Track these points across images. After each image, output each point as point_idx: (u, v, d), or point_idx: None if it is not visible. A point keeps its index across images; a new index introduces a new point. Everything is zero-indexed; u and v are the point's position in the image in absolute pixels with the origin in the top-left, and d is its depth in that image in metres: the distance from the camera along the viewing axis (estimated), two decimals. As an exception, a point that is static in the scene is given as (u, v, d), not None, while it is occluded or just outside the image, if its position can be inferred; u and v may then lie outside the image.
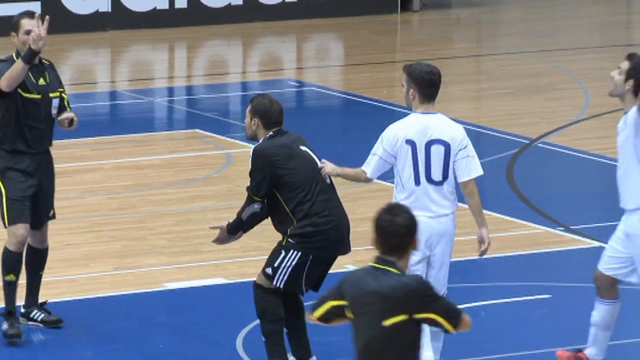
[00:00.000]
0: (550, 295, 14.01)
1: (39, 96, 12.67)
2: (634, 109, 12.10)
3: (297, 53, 25.66)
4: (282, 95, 20.82)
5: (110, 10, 25.33)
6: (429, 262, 12.24)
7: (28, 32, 12.70)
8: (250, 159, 11.90)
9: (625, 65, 12.55)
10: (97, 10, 25.33)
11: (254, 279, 11.90)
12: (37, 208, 12.57)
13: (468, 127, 19.83)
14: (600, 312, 12.54)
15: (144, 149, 18.49)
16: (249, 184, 12.01)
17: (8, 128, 12.84)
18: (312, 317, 9.49)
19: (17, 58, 12.69)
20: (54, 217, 12.76)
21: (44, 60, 12.94)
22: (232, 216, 12.69)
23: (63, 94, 13.02)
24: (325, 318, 9.40)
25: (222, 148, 18.36)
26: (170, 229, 14.75)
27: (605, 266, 12.35)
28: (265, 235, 12.45)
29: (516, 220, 15.38)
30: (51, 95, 12.77)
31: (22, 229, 12.38)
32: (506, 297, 13.87)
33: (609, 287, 12.32)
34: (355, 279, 9.34)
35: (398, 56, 25.60)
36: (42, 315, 12.58)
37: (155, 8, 25.49)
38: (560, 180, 17.16)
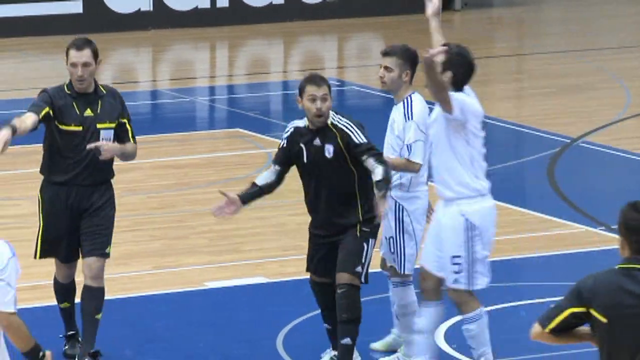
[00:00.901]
0: None
1: (79, 128, 12.36)
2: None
3: (338, 52, 25.82)
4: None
5: (152, 9, 25.41)
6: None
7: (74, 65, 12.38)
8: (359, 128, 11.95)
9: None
10: (139, 9, 25.41)
11: (314, 279, 11.72)
12: (80, 242, 12.50)
13: (509, 125, 20.10)
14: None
15: (185, 148, 18.62)
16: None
17: (46, 159, 12.68)
18: (545, 331, 9.03)
19: (67, 90, 12.39)
20: (106, 255, 12.37)
21: (100, 89, 12.45)
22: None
23: (127, 124, 12.74)
24: (559, 329, 9.01)
25: (263, 147, 18.27)
26: (211, 228, 14.69)
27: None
28: (305, 235, 12.33)
29: (557, 220, 15.29)
30: (99, 126, 12.36)
31: (55, 263, 12.53)
32: (546, 296, 13.68)
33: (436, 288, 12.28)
34: (604, 283, 9.01)
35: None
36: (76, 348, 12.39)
37: (197, 7, 25.62)
38: (601, 180, 17.13)
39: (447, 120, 11.86)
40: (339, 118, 11.90)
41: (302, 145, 11.73)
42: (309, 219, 12.15)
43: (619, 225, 8.75)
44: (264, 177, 11.91)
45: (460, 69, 11.81)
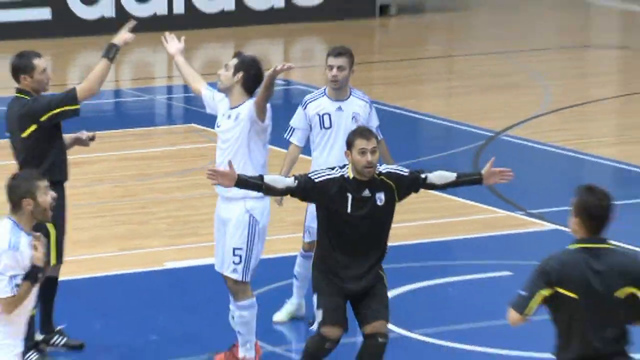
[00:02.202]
0: (511, 273, 13.95)
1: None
2: (249, 103, 12.10)
3: (284, 54, 25.84)
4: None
5: (114, 15, 25.56)
6: None
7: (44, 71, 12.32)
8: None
9: (233, 62, 12.34)
10: (102, 16, 25.63)
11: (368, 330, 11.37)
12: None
13: (440, 121, 20.17)
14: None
15: (146, 142, 18.71)
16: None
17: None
18: (522, 316, 9.17)
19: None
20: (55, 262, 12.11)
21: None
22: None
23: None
24: (531, 312, 9.17)
25: (216, 140, 19.08)
26: (170, 214, 14.85)
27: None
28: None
29: (481, 205, 15.32)
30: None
31: None
32: (471, 274, 13.90)
33: None
34: (570, 263, 9.13)
35: (376, 57, 25.62)
36: (64, 339, 12.45)
37: (155, 14, 25.81)
38: (521, 169, 16.99)
39: (252, 124, 12.08)
40: (383, 167, 11.64)
41: (347, 193, 11.25)
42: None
43: (575, 207, 8.98)
44: (273, 179, 11.45)
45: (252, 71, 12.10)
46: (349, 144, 11.01)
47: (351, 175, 11.03)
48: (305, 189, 11.18)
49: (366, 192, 11.02)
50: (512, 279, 13.11)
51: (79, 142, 12.50)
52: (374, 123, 12.60)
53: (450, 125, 19.59)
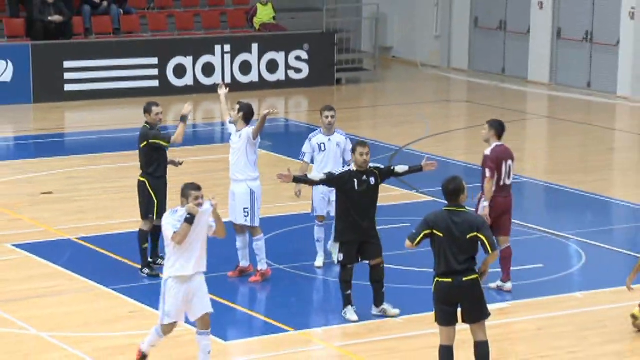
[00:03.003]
0: (409, 225, 15.09)
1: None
2: (248, 129, 12.55)
3: (285, 106, 25.38)
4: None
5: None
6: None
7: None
8: None
9: (237, 107, 12.74)
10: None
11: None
12: None
13: (372, 141, 17.60)
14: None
15: (209, 152, 19.85)
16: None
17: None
18: (413, 244, 9.88)
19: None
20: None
21: None
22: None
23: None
24: (420, 242, 9.90)
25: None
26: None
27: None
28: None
29: (393, 187, 14.45)
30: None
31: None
32: (387, 225, 13.41)
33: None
34: (440, 216, 9.76)
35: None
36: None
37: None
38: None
39: (249, 140, 12.61)
40: (371, 165, 11.86)
41: (354, 179, 11.56)
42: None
43: (442, 186, 9.95)
44: (313, 175, 12.14)
45: (247, 109, 12.74)
46: (354, 150, 11.81)
47: (354, 169, 11.66)
48: (330, 179, 11.76)
49: (364, 177, 11.63)
50: (409, 228, 12.64)
51: (172, 163, 13.47)
52: (349, 147, 13.14)
53: (377, 144, 20.12)
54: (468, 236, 9.85)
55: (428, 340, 11.53)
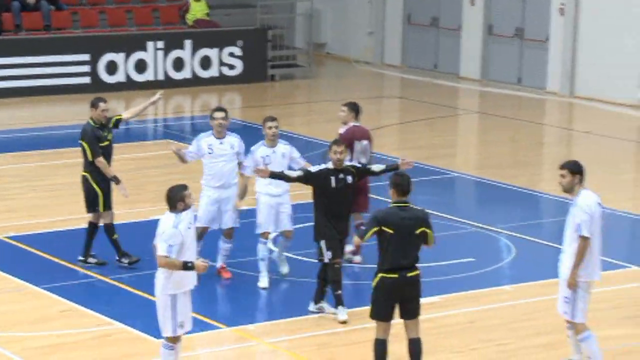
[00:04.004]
0: (368, 214, 13.67)
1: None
2: (234, 140, 12.85)
3: (219, 101, 25.07)
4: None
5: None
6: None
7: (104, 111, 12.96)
8: None
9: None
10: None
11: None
12: None
13: (302, 137, 20.03)
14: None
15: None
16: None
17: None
18: (363, 240, 10.02)
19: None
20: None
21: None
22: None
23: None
24: (367, 239, 9.96)
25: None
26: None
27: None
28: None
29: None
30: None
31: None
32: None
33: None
34: (389, 213, 9.79)
35: (268, 102, 25.31)
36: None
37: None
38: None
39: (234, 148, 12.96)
40: (347, 163, 11.92)
41: (330, 177, 11.58)
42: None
43: (390, 184, 9.84)
44: (289, 172, 11.96)
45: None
46: (330, 148, 11.77)
47: (331, 167, 11.68)
48: (307, 177, 11.68)
49: (341, 175, 11.64)
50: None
51: (153, 103, 13.70)
52: (295, 155, 12.91)
53: (311, 140, 20.41)
54: (417, 231, 9.91)
55: (359, 335, 11.58)
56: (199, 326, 11.58)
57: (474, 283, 13.42)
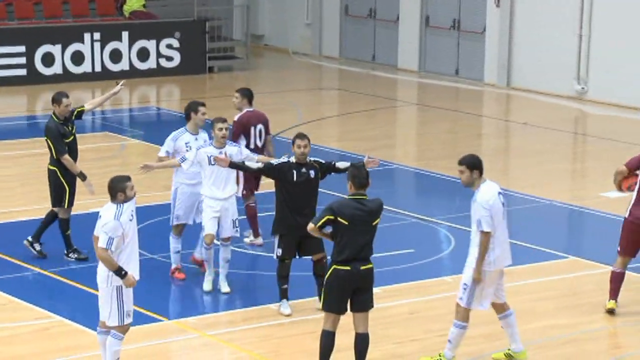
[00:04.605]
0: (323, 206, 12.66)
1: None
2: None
3: (157, 94, 25.42)
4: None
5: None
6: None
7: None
8: None
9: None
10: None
11: None
12: None
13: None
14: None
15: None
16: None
17: None
18: (316, 227, 9.85)
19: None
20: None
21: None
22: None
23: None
24: (321, 227, 9.89)
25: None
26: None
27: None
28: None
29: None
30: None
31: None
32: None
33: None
34: (345, 204, 9.84)
35: (207, 94, 24.84)
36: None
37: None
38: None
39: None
40: (311, 158, 11.75)
41: (293, 171, 11.45)
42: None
43: (348, 176, 9.89)
44: (250, 163, 11.97)
45: None
46: (293, 142, 11.64)
47: (294, 160, 11.58)
48: (268, 169, 11.57)
49: (304, 170, 11.53)
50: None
51: (113, 94, 13.73)
52: (246, 152, 12.65)
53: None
54: (374, 223, 9.99)
55: (303, 327, 11.61)
56: (139, 319, 11.50)
57: (414, 274, 13.45)
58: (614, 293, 12.28)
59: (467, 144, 20.92)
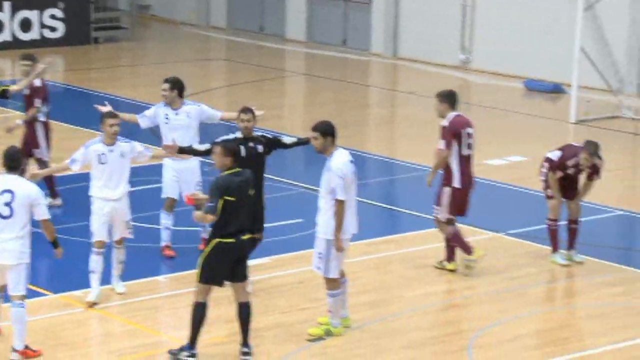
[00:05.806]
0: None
1: None
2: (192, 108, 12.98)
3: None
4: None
5: None
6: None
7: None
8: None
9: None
10: None
11: None
12: None
13: (130, 101, 19.84)
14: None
15: None
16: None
17: None
18: (214, 216, 9.85)
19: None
20: None
21: None
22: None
23: None
24: (218, 212, 9.89)
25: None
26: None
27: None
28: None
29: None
30: None
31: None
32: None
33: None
34: (228, 181, 9.92)
35: (93, 65, 25.16)
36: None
37: None
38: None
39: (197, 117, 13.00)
40: (258, 132, 11.80)
41: (240, 146, 11.26)
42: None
43: (224, 150, 9.97)
44: (197, 145, 11.91)
45: None
46: (238, 116, 11.61)
47: (240, 135, 11.58)
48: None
49: (250, 144, 11.54)
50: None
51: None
52: (139, 148, 11.79)
53: (137, 104, 19.70)
54: (251, 192, 10.10)
55: (190, 298, 11.49)
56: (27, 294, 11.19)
57: (302, 244, 13.44)
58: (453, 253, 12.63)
59: (354, 113, 20.98)
